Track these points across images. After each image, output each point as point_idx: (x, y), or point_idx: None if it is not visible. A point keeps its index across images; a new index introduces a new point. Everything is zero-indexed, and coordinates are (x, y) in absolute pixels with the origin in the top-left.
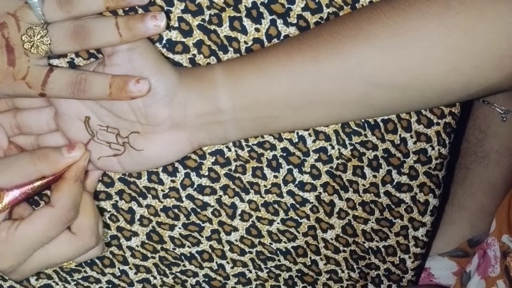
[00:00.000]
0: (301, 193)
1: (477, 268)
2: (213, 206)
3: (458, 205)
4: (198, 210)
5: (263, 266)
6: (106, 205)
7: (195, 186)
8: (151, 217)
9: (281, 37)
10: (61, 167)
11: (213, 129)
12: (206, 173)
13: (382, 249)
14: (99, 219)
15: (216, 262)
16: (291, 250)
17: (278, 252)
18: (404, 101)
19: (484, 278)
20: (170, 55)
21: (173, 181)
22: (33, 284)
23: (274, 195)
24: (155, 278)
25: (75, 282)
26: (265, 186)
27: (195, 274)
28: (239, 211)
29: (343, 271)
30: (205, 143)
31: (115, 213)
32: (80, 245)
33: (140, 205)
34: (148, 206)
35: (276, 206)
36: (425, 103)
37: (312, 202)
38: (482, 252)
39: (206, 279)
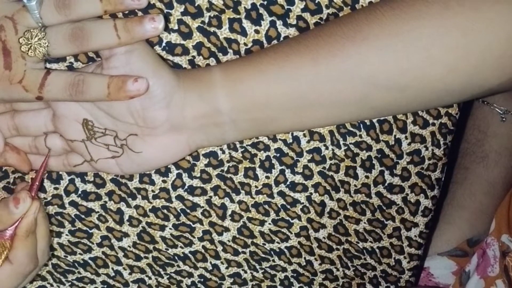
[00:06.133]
0: (292, 194)
1: (476, 268)
2: (202, 207)
3: (458, 204)
4: (188, 211)
5: (258, 267)
6: (95, 206)
7: (186, 187)
8: (140, 218)
9: (281, 38)
10: (14, 221)
11: (211, 130)
12: (198, 175)
13: (377, 250)
14: (49, 237)
15: (210, 262)
16: (285, 250)
17: (272, 252)
18: (403, 101)
19: (483, 277)
20: (170, 57)
21: (164, 181)
22: (28, 286)
23: (265, 195)
24: (150, 278)
25: (69, 283)
26: (256, 186)
27: (190, 275)
28: (229, 212)
29: (337, 269)
30: (203, 144)
31: (104, 214)
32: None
33: (128, 205)
34: (137, 207)
35: (266, 206)
36: (425, 104)
37: (302, 203)
38: (482, 252)
39: (202, 280)
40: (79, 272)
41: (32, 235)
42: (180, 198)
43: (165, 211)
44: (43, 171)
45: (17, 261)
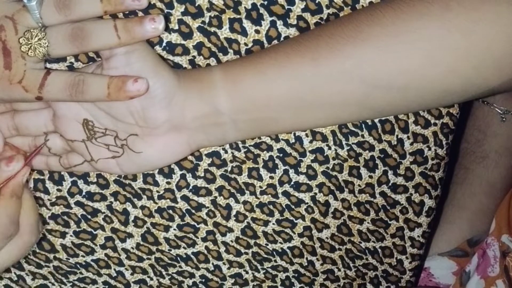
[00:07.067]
0: (296, 194)
1: (477, 268)
2: (208, 207)
3: (458, 205)
4: (193, 211)
5: (259, 267)
6: (101, 206)
7: (190, 187)
8: (146, 218)
9: (281, 39)
10: (2, 180)
11: (212, 131)
12: (202, 174)
13: (379, 250)
14: (38, 215)
15: (212, 263)
16: (287, 250)
17: (274, 252)
18: (403, 102)
19: (484, 278)
20: (170, 57)
21: (168, 182)
22: (29, 283)
23: (270, 196)
24: (151, 279)
25: (71, 284)
26: (260, 187)
27: (192, 275)
28: (234, 212)
29: (339, 270)
30: (204, 144)
31: (109, 215)
32: (23, 243)
33: (134, 206)
34: (142, 207)
35: (271, 207)
36: (425, 104)
37: (307, 203)
38: (482, 252)
39: (203, 280)
40: (81, 273)
41: (17, 199)
42: (185, 198)
43: (170, 211)
44: (43, 145)
45: None
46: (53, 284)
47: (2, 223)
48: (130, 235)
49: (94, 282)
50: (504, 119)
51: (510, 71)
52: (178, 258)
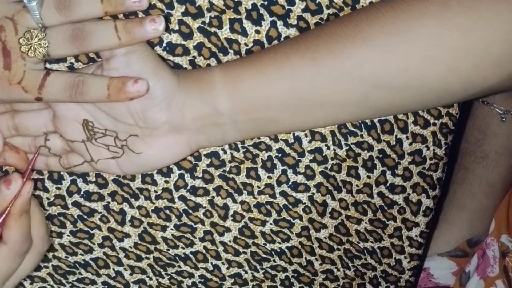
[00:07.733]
0: (294, 194)
1: (476, 268)
2: (205, 207)
3: (458, 205)
4: (190, 211)
5: (258, 267)
6: (98, 206)
7: (188, 187)
8: (142, 218)
9: (282, 39)
10: (6, 204)
11: (212, 131)
12: (200, 175)
13: (377, 250)
14: (46, 225)
15: (211, 263)
16: (286, 250)
17: (273, 252)
18: (403, 101)
19: (483, 278)
20: (171, 57)
21: (166, 181)
22: (28, 287)
23: (267, 196)
24: (150, 279)
25: (70, 285)
26: (258, 187)
27: (191, 275)
28: (231, 212)
29: (338, 270)
30: (204, 145)
31: (106, 214)
32: (36, 255)
33: (131, 206)
34: (139, 207)
35: (268, 207)
36: (424, 104)
37: (304, 203)
38: (481, 252)
39: (202, 280)
40: (80, 273)
41: (25, 214)
42: (182, 198)
43: (167, 211)
44: (36, 156)
45: (12, 240)
46: (52, 287)
47: (17, 240)
48: (127, 235)
49: (93, 282)
50: (504, 119)
51: (509, 70)
52: (177, 258)
